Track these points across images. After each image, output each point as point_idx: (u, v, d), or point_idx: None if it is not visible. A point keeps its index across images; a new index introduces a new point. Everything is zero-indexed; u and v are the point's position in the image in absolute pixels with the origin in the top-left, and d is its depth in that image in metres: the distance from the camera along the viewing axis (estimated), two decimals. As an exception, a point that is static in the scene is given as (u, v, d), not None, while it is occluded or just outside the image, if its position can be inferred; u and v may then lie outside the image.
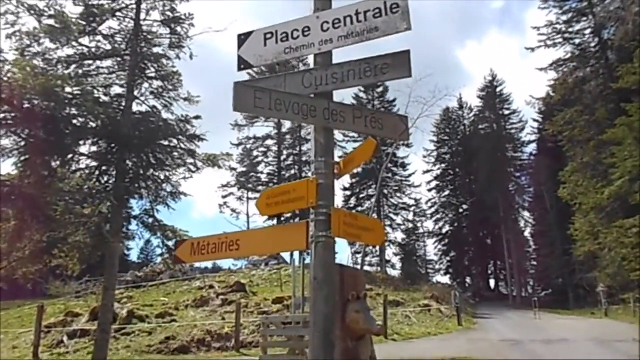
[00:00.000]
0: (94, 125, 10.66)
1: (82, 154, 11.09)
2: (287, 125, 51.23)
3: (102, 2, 11.64)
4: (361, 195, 54.02)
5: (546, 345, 15.76)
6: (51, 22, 10.49)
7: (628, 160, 27.44)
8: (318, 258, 3.52)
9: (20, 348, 16.51)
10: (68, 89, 10.10)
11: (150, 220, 11.51)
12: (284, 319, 10.35)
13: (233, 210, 52.53)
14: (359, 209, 49.88)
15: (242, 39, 4.29)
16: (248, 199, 52.05)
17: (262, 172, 54.44)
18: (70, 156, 10.54)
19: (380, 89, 54.41)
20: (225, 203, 52.63)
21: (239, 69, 4.23)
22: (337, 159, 3.87)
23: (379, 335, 4.45)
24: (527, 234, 60.56)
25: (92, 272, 29.16)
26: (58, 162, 10.33)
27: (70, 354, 15.21)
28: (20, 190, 9.20)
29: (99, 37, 11.75)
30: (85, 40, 11.53)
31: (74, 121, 10.47)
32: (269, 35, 4.20)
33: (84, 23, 11.14)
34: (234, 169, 49.67)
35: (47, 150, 9.76)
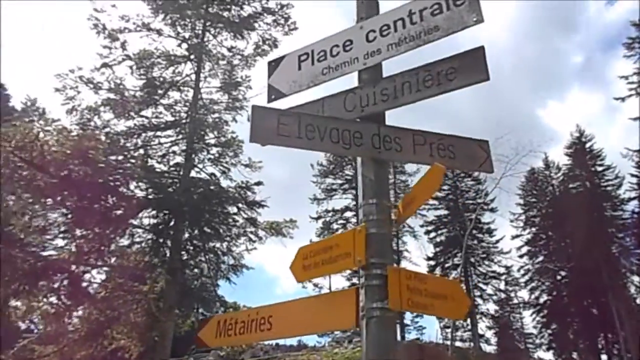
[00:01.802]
0: (151, 196, 10.41)
1: (137, 226, 10.78)
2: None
3: (164, 74, 11.84)
4: (446, 265, 51.14)
5: None
6: (111, 95, 10.67)
7: None
8: (371, 340, 2.45)
9: None
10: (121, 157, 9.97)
11: (212, 295, 10.83)
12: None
13: (315, 285, 51.26)
14: (445, 279, 46.99)
15: (273, 65, 3.54)
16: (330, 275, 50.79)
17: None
18: (126, 229, 10.22)
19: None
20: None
21: (269, 100, 3.44)
22: (393, 199, 2.83)
23: None
24: (639, 301, 53.82)
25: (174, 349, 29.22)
26: (113, 236, 10.06)
27: None
28: (70, 266, 8.86)
29: (160, 108, 11.84)
30: (146, 112, 11.64)
31: (130, 191, 10.28)
32: (303, 57, 3.42)
33: (145, 95, 11.26)
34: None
35: (101, 223, 9.52)
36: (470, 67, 2.79)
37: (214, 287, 11.29)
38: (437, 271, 50.78)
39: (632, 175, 50.92)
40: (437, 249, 50.94)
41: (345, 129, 2.89)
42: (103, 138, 10.53)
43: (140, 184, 10.33)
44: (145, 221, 11.17)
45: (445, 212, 51.15)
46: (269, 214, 13.47)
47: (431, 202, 51.63)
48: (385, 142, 2.90)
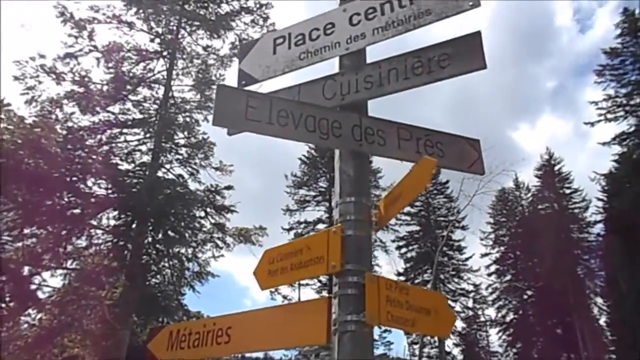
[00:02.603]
0: (113, 196, 9.81)
1: (96, 227, 10.13)
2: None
3: (133, 69, 11.28)
4: (417, 281, 51.12)
5: None
6: (75, 87, 10.08)
7: None
8: (344, 359, 2.09)
9: None
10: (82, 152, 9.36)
11: (174, 303, 10.24)
12: None
13: (284, 297, 50.47)
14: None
15: (245, 48, 3.19)
16: (299, 284, 50.03)
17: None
18: (84, 229, 9.59)
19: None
20: (276, 289, 50.66)
21: (239, 86, 3.07)
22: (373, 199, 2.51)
23: None
24: (602, 322, 54.79)
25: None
26: (68, 236, 9.42)
27: None
28: (19, 267, 8.21)
29: (128, 104, 11.26)
30: (112, 108, 11.04)
31: (89, 188, 9.64)
32: (279, 40, 3.08)
33: (112, 90, 10.69)
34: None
35: (55, 222, 8.89)
36: (466, 53, 2.50)
37: (176, 295, 10.69)
38: (407, 287, 50.62)
39: (598, 199, 52.01)
40: (408, 265, 50.96)
41: (322, 117, 2.55)
42: (61, 130, 9.89)
43: (101, 181, 9.73)
44: (106, 222, 10.57)
45: (417, 228, 51.29)
46: (238, 221, 12.98)
47: (403, 217, 51.79)
48: (367, 134, 2.58)
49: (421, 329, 2.35)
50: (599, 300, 54.29)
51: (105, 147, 10.43)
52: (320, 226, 52.88)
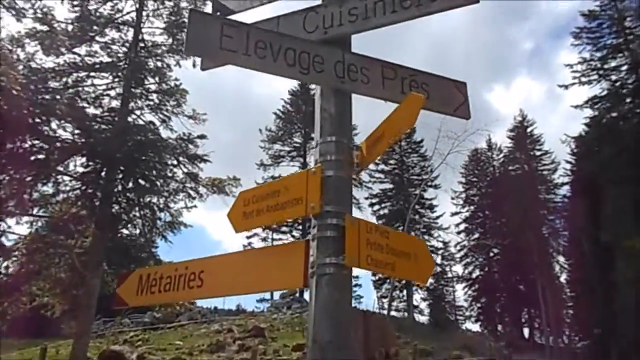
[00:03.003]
0: (81, 141, 9.40)
1: (64, 173, 9.75)
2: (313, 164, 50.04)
3: (101, 9, 10.60)
4: (387, 237, 52.03)
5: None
6: (38, 25, 9.46)
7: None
8: (321, 301, 2.02)
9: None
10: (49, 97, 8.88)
11: (146, 254, 10.10)
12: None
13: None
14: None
15: (222, -23, 2.94)
16: (272, 239, 50.39)
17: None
18: (50, 175, 9.22)
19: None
20: (249, 244, 50.94)
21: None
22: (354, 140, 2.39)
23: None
24: (563, 279, 57.19)
25: (108, 310, 28.73)
26: (33, 182, 9.07)
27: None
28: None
29: (95, 47, 10.68)
30: (79, 49, 10.44)
31: (53, 132, 9.19)
32: (257, -31, 2.84)
33: (78, 31, 10.08)
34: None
35: (19, 167, 8.51)
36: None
37: (148, 245, 10.53)
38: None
39: (567, 162, 53.27)
40: (380, 222, 51.74)
41: (303, 50, 2.39)
42: (23, 70, 9.30)
43: (67, 125, 9.29)
44: (74, 168, 10.15)
45: (391, 186, 51.84)
46: (211, 173, 12.67)
47: (377, 175, 52.23)
48: (350, 71, 2.44)
49: (401, 273, 2.30)
50: (561, 259, 56.46)
51: (71, 91, 9.91)
52: (295, 182, 52.73)
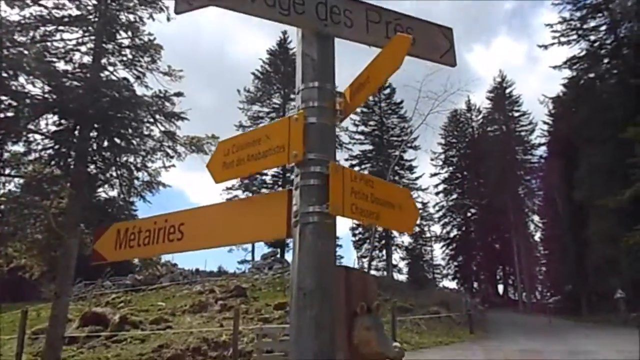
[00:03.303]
0: (52, 98, 9.04)
1: (35, 131, 9.42)
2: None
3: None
4: (367, 198, 52.45)
5: (570, 357, 14.12)
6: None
7: (651, 158, 25.85)
8: (305, 250, 1.98)
9: (5, 355, 15.19)
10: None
11: (124, 214, 9.96)
12: (282, 330, 9.09)
13: (236, 211, 50.74)
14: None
15: None
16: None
17: (266, 174, 52.74)
18: (21, 134, 8.90)
19: (387, 90, 53.37)
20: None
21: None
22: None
23: (398, 361, 2.94)
24: (537, 238, 58.83)
25: (89, 273, 28.15)
26: (4, 141, 8.76)
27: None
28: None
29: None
30: (45, 1, 9.90)
31: (22, 88, 8.78)
32: None
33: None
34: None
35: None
36: None
37: (126, 205, 10.37)
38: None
39: (544, 123, 53.92)
40: (359, 183, 52.01)
41: (283, -10, 2.26)
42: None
43: (36, 81, 8.88)
44: (46, 127, 9.80)
45: (370, 147, 51.89)
46: (190, 133, 12.41)
47: (357, 136, 52.17)
48: (333, 13, 2.32)
49: (385, 222, 2.26)
50: (536, 218, 57.92)
51: (39, 46, 9.45)
52: (274, 144, 52.35)
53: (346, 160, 50.11)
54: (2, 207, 8.59)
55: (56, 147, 9.81)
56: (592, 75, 38.30)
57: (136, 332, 16.75)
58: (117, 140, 10.19)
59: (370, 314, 3.31)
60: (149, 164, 10.75)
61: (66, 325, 17.15)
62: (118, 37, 10.53)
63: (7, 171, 8.86)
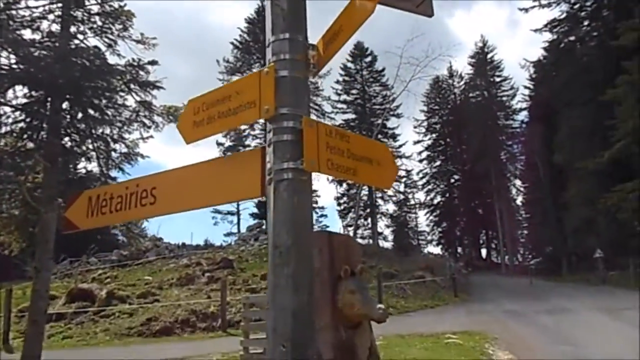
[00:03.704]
0: (19, 69, 8.69)
1: (4, 104, 9.10)
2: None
3: None
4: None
5: (552, 316, 14.52)
6: None
7: (629, 120, 26.14)
8: (280, 208, 1.91)
9: (-9, 334, 15.14)
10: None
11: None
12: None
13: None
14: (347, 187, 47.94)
15: None
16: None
17: (249, 146, 52.41)
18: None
19: (368, 58, 52.90)
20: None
21: None
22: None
23: (381, 322, 2.99)
24: (518, 202, 59.81)
25: (73, 251, 28.41)
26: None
27: (44, 339, 13.90)
28: None
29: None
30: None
31: None
32: None
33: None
34: (221, 144, 46.77)
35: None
36: None
37: (104, 178, 10.18)
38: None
39: (525, 87, 54.10)
40: (344, 152, 52.00)
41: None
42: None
43: (1, 50, 8.52)
44: (15, 99, 9.46)
45: (353, 116, 51.70)
46: (168, 102, 12.10)
47: (340, 105, 51.86)
48: (304, -39, 2.20)
49: (363, 178, 2.20)
50: (518, 182, 58.76)
51: (3, 15, 9.02)
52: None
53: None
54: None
55: (28, 119, 9.51)
56: (572, 38, 38.33)
57: (124, 306, 16.81)
58: (91, 112, 9.90)
59: (354, 277, 3.30)
60: (126, 135, 10.53)
61: (50, 302, 17.12)
62: (87, 3, 10.12)
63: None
